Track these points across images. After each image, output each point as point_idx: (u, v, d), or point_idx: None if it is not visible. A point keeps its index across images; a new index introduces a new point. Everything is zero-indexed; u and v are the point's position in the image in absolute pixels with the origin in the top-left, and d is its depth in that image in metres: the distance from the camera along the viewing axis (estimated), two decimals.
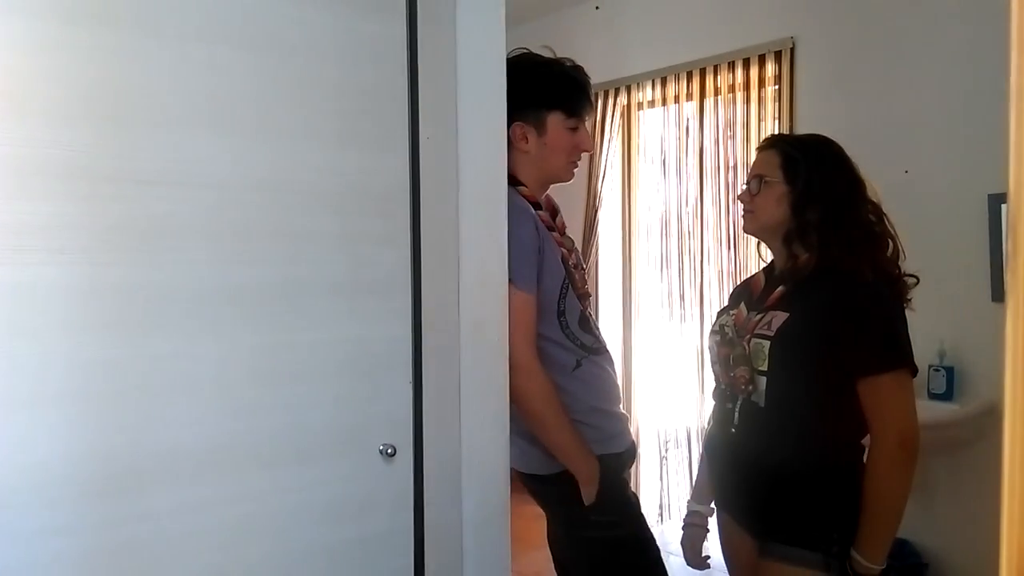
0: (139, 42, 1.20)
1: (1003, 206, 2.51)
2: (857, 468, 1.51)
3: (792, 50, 3.17)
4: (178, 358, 1.25)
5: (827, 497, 1.53)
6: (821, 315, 1.50)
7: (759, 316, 1.59)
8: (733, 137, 3.43)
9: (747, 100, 3.36)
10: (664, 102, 3.76)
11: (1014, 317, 0.48)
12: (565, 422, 1.62)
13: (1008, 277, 0.50)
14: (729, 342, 1.63)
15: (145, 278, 1.22)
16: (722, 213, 3.47)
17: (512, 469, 1.68)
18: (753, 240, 3.47)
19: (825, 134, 1.66)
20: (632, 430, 3.85)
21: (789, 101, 3.17)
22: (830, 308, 1.50)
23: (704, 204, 3.54)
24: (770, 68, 3.26)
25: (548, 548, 1.86)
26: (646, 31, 3.82)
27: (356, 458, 1.44)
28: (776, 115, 3.25)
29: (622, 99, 3.92)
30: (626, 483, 1.76)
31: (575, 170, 1.78)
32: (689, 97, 3.61)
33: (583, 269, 1.83)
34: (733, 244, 3.41)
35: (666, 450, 3.80)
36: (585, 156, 1.80)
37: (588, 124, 1.86)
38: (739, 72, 3.38)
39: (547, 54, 1.73)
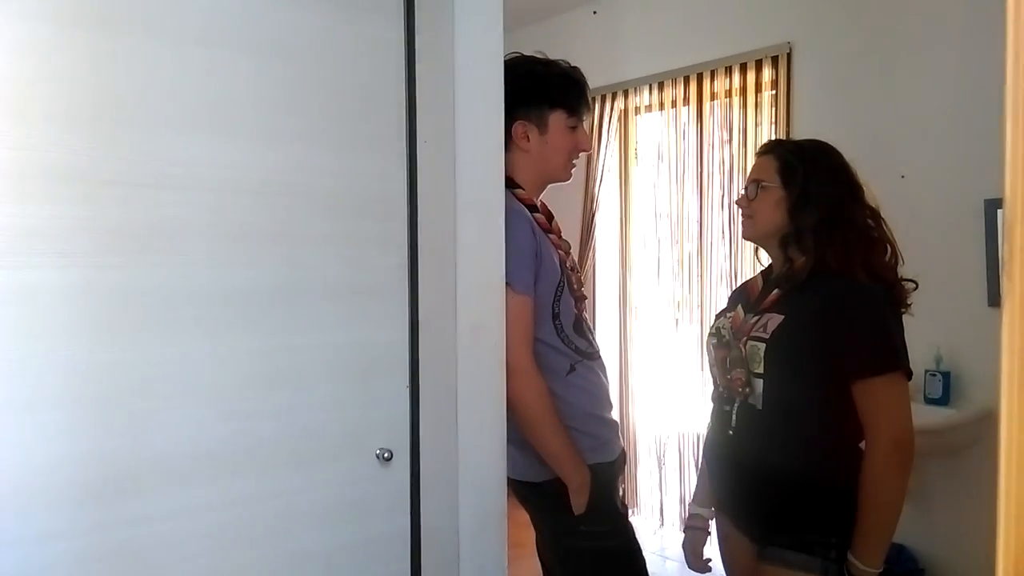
0: (139, 46, 1.21)
1: (999, 211, 2.51)
2: (855, 471, 1.50)
3: (789, 55, 3.18)
4: (175, 361, 1.25)
5: (825, 501, 1.52)
6: (815, 318, 1.50)
7: (755, 319, 1.59)
8: (730, 141, 3.44)
9: (744, 105, 3.37)
10: (661, 106, 3.77)
11: (1010, 322, 0.48)
12: (559, 428, 1.62)
13: (1004, 282, 0.50)
14: (726, 344, 1.64)
15: (144, 281, 1.22)
16: (719, 217, 3.47)
17: None
18: (749, 245, 3.49)
19: (822, 139, 1.66)
20: (629, 434, 3.89)
21: (786, 106, 3.18)
22: (824, 311, 1.50)
23: (701, 208, 3.55)
24: (767, 73, 3.27)
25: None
26: (643, 36, 3.83)
27: (353, 462, 1.43)
28: (773, 120, 3.25)
29: (619, 103, 3.92)
30: (616, 493, 1.76)
31: (573, 171, 1.79)
32: (686, 101, 3.62)
33: (579, 272, 1.83)
34: (730, 248, 3.41)
35: (663, 454, 3.80)
36: (582, 159, 1.81)
37: (585, 127, 1.87)
38: (736, 77, 3.38)
39: (541, 58, 1.74)
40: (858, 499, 1.47)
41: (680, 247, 3.69)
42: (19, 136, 1.11)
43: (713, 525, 1.82)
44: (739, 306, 1.69)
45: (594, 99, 3.84)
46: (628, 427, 3.91)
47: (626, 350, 3.99)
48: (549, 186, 1.79)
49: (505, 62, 1.66)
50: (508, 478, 1.72)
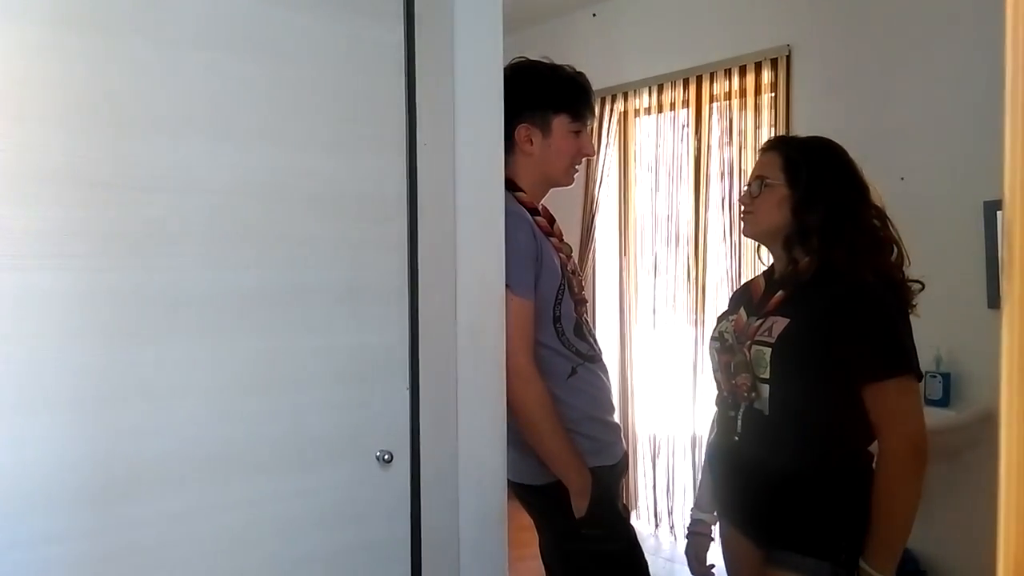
0: (137, 48, 1.21)
1: (999, 213, 2.52)
2: (865, 474, 1.48)
3: (788, 57, 3.18)
4: (175, 364, 1.25)
5: (835, 504, 1.50)
6: (821, 320, 1.47)
7: (759, 322, 1.56)
8: (730, 144, 3.44)
9: (743, 107, 3.37)
10: (661, 109, 3.77)
11: (1010, 323, 0.48)
12: (560, 430, 1.61)
13: (1004, 283, 0.50)
14: (729, 349, 1.60)
15: (142, 284, 1.21)
16: (718, 220, 3.47)
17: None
18: (750, 247, 3.47)
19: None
20: (629, 437, 3.88)
21: (785, 108, 3.18)
22: (831, 313, 1.47)
23: (700, 211, 3.55)
24: (766, 75, 3.27)
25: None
26: (643, 38, 3.83)
27: (353, 465, 1.43)
28: (772, 122, 3.26)
29: (619, 106, 3.93)
30: (618, 496, 1.75)
31: (575, 175, 1.79)
32: (686, 104, 3.62)
33: (580, 275, 1.83)
34: (730, 251, 3.41)
35: (664, 456, 3.80)
36: (582, 162, 1.80)
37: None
38: (735, 79, 3.39)
39: (546, 62, 1.74)
40: (871, 504, 1.44)
41: (679, 249, 3.69)
42: (17, 138, 1.11)
43: (716, 530, 1.80)
44: (741, 308, 1.65)
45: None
46: (629, 429, 3.91)
47: (626, 352, 3.99)
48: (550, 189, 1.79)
49: (511, 66, 1.66)
50: (510, 481, 1.71)
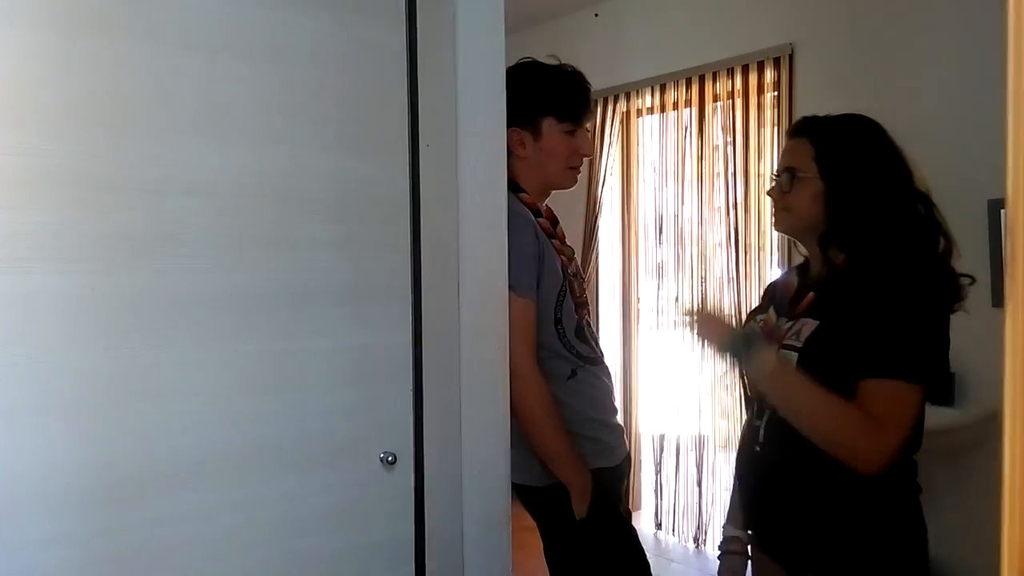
0: (138, 50, 1.21)
1: (1003, 211, 2.51)
2: (908, 487, 1.36)
3: (791, 56, 3.18)
4: (178, 366, 1.25)
5: (869, 525, 1.34)
6: (851, 323, 1.32)
7: (789, 324, 1.42)
8: (732, 143, 3.44)
9: (746, 106, 3.36)
10: (663, 109, 3.77)
11: (1013, 322, 0.48)
12: (561, 432, 1.61)
13: (1008, 282, 0.50)
14: None
15: (145, 286, 1.22)
16: (722, 220, 3.47)
17: None
18: (754, 247, 3.46)
19: None
20: (633, 439, 3.88)
21: (788, 107, 3.17)
22: (860, 314, 1.31)
23: (703, 211, 3.55)
24: (769, 74, 3.27)
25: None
26: (645, 38, 3.83)
27: (356, 466, 1.43)
28: (775, 121, 3.25)
29: (621, 106, 3.92)
30: (620, 497, 1.75)
31: (577, 176, 1.78)
32: (688, 104, 3.62)
33: (582, 278, 1.82)
34: (733, 251, 3.41)
35: (667, 457, 3.79)
36: (585, 162, 1.79)
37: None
38: (738, 79, 3.38)
39: (552, 63, 1.73)
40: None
41: (682, 249, 3.69)
42: (19, 141, 1.11)
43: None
44: (771, 308, 1.52)
45: (595, 102, 3.84)
46: (632, 431, 3.91)
47: (629, 353, 3.99)
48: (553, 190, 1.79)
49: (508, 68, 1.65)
50: (511, 482, 1.71)
